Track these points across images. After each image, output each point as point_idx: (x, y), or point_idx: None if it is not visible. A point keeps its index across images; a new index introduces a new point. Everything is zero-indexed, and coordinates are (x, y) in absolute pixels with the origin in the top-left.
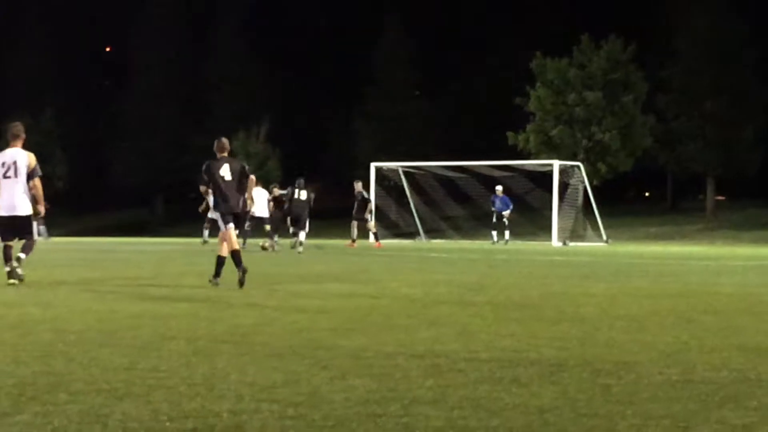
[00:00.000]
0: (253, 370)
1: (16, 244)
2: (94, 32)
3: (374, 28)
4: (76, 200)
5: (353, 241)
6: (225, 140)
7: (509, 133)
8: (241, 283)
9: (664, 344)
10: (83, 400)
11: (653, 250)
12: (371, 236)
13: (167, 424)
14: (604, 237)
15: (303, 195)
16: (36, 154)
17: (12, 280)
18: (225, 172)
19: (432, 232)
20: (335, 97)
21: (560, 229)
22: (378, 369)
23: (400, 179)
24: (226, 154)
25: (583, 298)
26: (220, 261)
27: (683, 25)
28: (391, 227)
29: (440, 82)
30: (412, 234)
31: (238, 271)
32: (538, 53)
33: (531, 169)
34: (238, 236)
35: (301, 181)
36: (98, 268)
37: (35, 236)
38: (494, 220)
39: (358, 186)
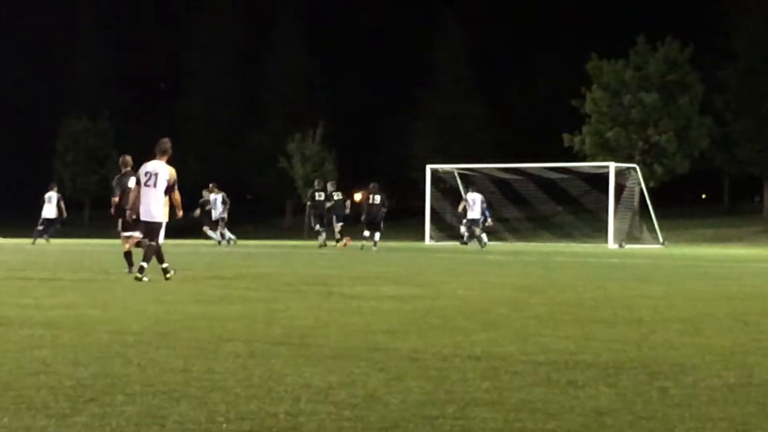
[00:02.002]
0: (310, 372)
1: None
2: (152, 34)
3: (430, 29)
4: None
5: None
6: (128, 157)
7: (565, 135)
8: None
9: (721, 347)
10: (140, 402)
11: (710, 253)
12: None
13: (224, 425)
14: (661, 239)
15: (377, 199)
16: (93, 157)
17: (140, 275)
18: (132, 184)
19: (488, 235)
20: (391, 99)
21: (616, 231)
22: (434, 371)
23: (456, 181)
24: (129, 169)
25: (639, 300)
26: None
27: (741, 25)
28: (446, 229)
29: (496, 84)
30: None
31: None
32: (594, 55)
33: (586, 171)
34: None
35: (375, 185)
36: (153, 270)
37: (161, 242)
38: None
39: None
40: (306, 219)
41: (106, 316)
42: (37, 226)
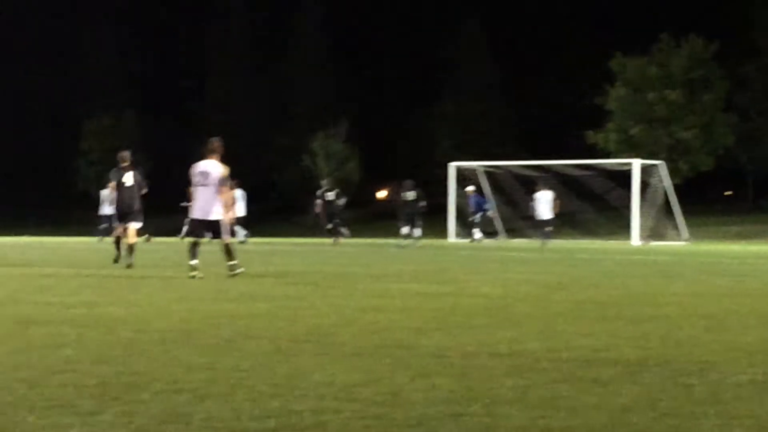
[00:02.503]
0: (334, 370)
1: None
2: (174, 33)
3: (452, 27)
4: (155, 201)
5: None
6: (126, 153)
7: (589, 132)
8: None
9: (747, 344)
10: (165, 400)
11: (734, 249)
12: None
13: (248, 423)
14: (685, 236)
15: (411, 195)
16: (116, 155)
17: (194, 273)
18: (127, 178)
19: (512, 232)
20: (414, 97)
21: (641, 228)
22: (459, 368)
23: (480, 179)
24: (127, 165)
25: (663, 297)
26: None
27: (765, 22)
28: (470, 226)
29: (520, 81)
30: (492, 233)
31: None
32: (617, 52)
33: (611, 168)
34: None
35: (409, 182)
36: (178, 268)
37: (230, 237)
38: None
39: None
40: (316, 218)
41: (131, 314)
42: (99, 224)
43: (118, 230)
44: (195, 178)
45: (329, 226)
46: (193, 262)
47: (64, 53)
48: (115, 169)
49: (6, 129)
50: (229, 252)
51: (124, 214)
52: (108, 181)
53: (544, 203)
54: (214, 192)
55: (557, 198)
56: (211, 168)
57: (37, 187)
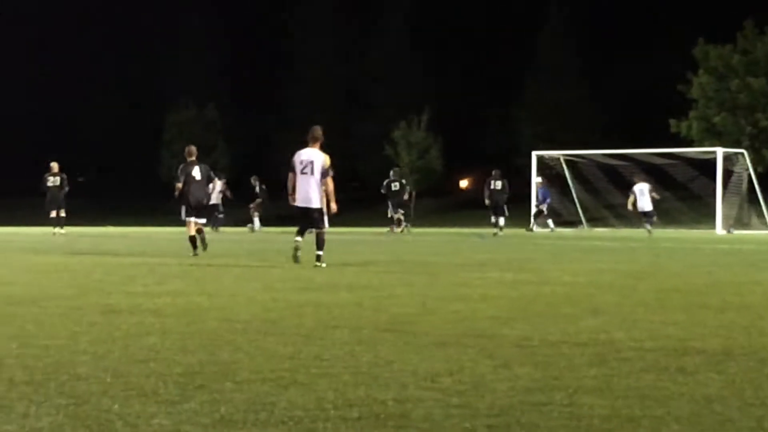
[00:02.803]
0: (417, 359)
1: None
2: (259, 23)
3: (536, 14)
4: (238, 191)
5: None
6: (193, 147)
7: (672, 121)
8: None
9: None
10: (249, 389)
11: None
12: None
13: (332, 412)
14: None
15: (498, 185)
16: (198, 146)
17: (299, 253)
18: (196, 173)
19: (594, 221)
20: (496, 86)
21: (724, 217)
22: (542, 358)
23: (562, 168)
24: (194, 159)
25: (748, 286)
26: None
27: None
28: (553, 216)
29: (602, 70)
30: (575, 223)
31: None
32: (700, 40)
33: (694, 156)
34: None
35: (497, 172)
36: (260, 257)
37: (325, 227)
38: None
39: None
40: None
41: (214, 303)
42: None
43: (194, 224)
44: (297, 166)
45: (395, 215)
46: (298, 239)
47: (146, 45)
48: (182, 164)
49: (92, 120)
50: (321, 242)
51: (194, 208)
52: (177, 174)
53: (644, 195)
54: (317, 180)
55: (653, 189)
56: (315, 156)
57: (120, 177)
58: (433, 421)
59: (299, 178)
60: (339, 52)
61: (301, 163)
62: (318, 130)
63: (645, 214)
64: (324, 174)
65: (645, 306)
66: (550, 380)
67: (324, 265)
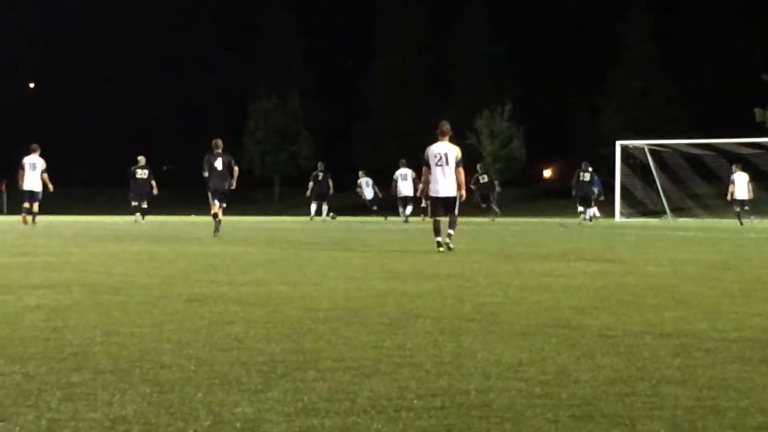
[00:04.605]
0: (500, 349)
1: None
2: (340, 12)
3: (619, 5)
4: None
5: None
6: (219, 141)
7: (756, 110)
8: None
9: None
10: (331, 378)
11: None
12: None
13: (415, 401)
14: None
15: (587, 176)
16: (282, 134)
17: (441, 249)
18: (218, 163)
19: (678, 211)
20: (579, 75)
21: None
22: (625, 348)
23: (646, 157)
24: (219, 151)
25: None
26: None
27: None
28: (637, 206)
29: (686, 59)
30: (659, 213)
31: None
32: None
33: None
34: None
35: (586, 163)
36: (343, 246)
37: (455, 214)
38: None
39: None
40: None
41: (297, 292)
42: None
43: (215, 208)
44: (432, 159)
45: (484, 206)
46: (439, 239)
47: (231, 34)
48: (207, 155)
49: (175, 109)
50: (453, 224)
51: (214, 193)
52: (203, 164)
53: (742, 184)
54: (452, 171)
55: (751, 181)
56: (448, 149)
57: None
58: (516, 410)
59: (434, 170)
60: (421, 41)
61: (435, 156)
62: (446, 125)
63: (741, 203)
64: (458, 164)
65: (729, 296)
66: (634, 370)
67: (452, 248)
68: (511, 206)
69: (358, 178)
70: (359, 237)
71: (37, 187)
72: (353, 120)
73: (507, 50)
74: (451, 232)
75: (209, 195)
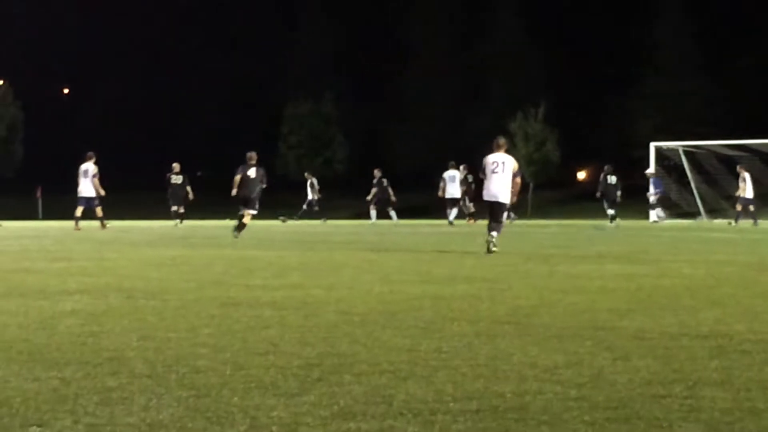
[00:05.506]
0: (536, 351)
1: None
2: (373, 16)
3: (653, 6)
4: (356, 183)
5: None
6: (253, 153)
7: None
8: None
9: None
10: (367, 381)
11: None
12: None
13: (451, 404)
14: None
15: (613, 179)
16: (316, 139)
17: (493, 249)
18: (251, 173)
19: (713, 212)
20: (613, 77)
21: None
22: (661, 350)
23: (680, 159)
24: (254, 162)
25: None
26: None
27: None
28: (671, 207)
29: (721, 60)
30: (693, 214)
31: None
32: None
33: None
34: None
35: (610, 167)
36: (378, 249)
37: (504, 221)
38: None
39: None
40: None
41: (332, 296)
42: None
43: (247, 214)
44: (489, 167)
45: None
46: (493, 233)
47: (264, 38)
48: (242, 166)
49: (209, 114)
50: (498, 228)
51: (245, 200)
52: (237, 172)
53: (750, 183)
54: (507, 180)
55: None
56: (506, 158)
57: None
58: (552, 413)
59: (491, 177)
60: (454, 44)
61: (493, 163)
62: (501, 139)
63: (751, 202)
64: (515, 175)
65: (766, 298)
66: (670, 373)
67: (497, 249)
68: (545, 208)
69: (306, 180)
70: (394, 240)
71: (90, 192)
72: (387, 123)
73: (541, 52)
74: (494, 234)
75: (241, 203)
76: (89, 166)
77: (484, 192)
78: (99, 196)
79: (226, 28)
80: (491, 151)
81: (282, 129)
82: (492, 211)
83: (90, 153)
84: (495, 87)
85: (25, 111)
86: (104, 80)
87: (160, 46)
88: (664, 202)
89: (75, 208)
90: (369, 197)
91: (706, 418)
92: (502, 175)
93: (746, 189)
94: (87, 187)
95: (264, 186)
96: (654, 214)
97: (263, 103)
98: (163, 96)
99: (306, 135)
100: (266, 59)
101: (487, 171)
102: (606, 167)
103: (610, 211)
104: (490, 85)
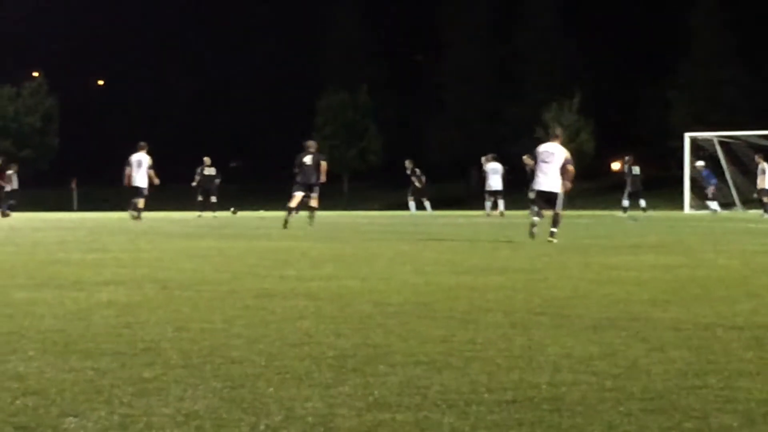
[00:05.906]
0: (571, 342)
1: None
2: (408, 7)
3: None
4: (391, 174)
5: None
6: (311, 141)
7: None
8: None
9: None
10: (402, 372)
11: None
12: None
13: (485, 395)
14: None
15: (637, 170)
16: (351, 130)
17: (533, 229)
18: (308, 159)
19: (749, 203)
20: (648, 67)
21: None
22: (696, 341)
23: (715, 149)
24: (313, 150)
25: None
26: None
27: None
28: (706, 197)
29: (757, 50)
30: (729, 205)
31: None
32: None
33: None
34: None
35: (630, 158)
36: (412, 240)
37: (560, 209)
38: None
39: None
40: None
41: (367, 287)
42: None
43: (297, 199)
44: (540, 157)
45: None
46: (554, 229)
47: (298, 29)
48: (300, 154)
49: (243, 105)
50: (556, 222)
51: (305, 186)
52: (297, 160)
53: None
54: (556, 169)
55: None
56: (557, 150)
57: (272, 162)
58: (588, 404)
59: (541, 166)
60: (489, 34)
61: (543, 153)
62: (558, 129)
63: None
64: (565, 165)
65: None
66: (705, 364)
67: (556, 241)
68: (580, 199)
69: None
70: (429, 231)
71: (144, 183)
72: (422, 114)
73: (576, 42)
74: (554, 230)
75: (294, 188)
76: (143, 157)
77: (535, 181)
78: (149, 188)
79: (261, 19)
80: (548, 140)
81: (316, 120)
82: (545, 202)
83: (142, 143)
84: (530, 77)
85: (60, 103)
86: (138, 72)
87: (194, 37)
88: (716, 195)
89: (128, 200)
90: (410, 194)
91: (742, 409)
92: (551, 165)
93: (766, 180)
94: (142, 177)
95: (323, 167)
96: (712, 205)
97: (298, 93)
98: (196, 88)
99: (340, 126)
100: (301, 49)
101: (538, 160)
102: (626, 158)
103: (642, 203)
104: (524, 76)
